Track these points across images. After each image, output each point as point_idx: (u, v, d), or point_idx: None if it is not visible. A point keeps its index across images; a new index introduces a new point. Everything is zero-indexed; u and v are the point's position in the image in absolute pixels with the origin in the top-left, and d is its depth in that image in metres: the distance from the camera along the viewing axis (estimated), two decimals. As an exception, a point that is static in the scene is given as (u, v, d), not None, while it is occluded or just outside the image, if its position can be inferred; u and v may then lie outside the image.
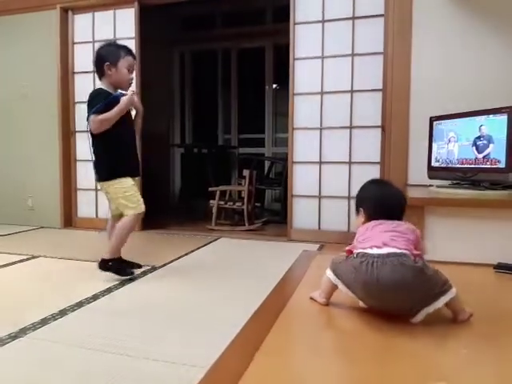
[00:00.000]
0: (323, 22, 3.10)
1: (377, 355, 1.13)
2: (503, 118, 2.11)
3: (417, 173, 2.76)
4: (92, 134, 2.11)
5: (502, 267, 1.93)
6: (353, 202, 3.01)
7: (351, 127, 3.05)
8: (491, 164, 2.17)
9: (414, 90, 2.80)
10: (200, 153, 5.12)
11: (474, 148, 2.27)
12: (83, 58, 3.66)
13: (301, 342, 1.29)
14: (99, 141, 2.12)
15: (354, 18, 3.02)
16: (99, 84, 2.19)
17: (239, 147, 5.26)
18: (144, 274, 2.27)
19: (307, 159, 3.17)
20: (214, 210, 3.72)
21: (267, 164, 4.83)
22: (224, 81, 5.30)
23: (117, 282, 2.09)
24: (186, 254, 2.73)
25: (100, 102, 2.03)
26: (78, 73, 3.74)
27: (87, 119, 2.07)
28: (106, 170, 2.14)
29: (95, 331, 1.52)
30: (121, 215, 2.22)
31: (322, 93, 3.12)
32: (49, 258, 2.65)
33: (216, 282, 2.17)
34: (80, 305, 1.79)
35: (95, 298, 1.88)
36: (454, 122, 2.41)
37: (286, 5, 3.21)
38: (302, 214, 3.20)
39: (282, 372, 1.07)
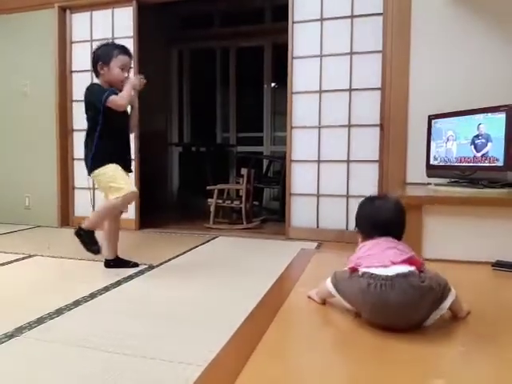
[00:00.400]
0: (322, 20, 3.09)
1: (375, 353, 1.13)
2: (501, 116, 2.11)
3: (415, 171, 2.76)
4: (101, 125, 2.13)
5: (500, 265, 1.93)
6: (351, 201, 3.03)
7: (350, 126, 3.05)
8: (489, 162, 2.17)
9: (413, 89, 2.80)
10: (198, 151, 5.12)
11: (473, 146, 2.27)
12: (81, 57, 3.64)
13: (298, 341, 1.28)
14: (92, 136, 2.16)
15: (352, 16, 3.01)
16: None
17: (237, 146, 5.26)
18: (142, 272, 2.26)
19: (305, 158, 3.17)
20: (212, 209, 3.71)
21: (265, 162, 4.82)
22: (222, 79, 5.30)
23: (114, 281, 2.08)
24: (184, 253, 2.72)
25: (104, 91, 2.11)
26: (76, 71, 3.72)
27: (97, 105, 2.10)
28: (95, 159, 2.16)
29: (92, 330, 1.52)
30: (117, 217, 2.23)
31: (320, 91, 3.11)
32: (45, 257, 2.64)
33: (214, 280, 2.16)
34: (77, 304, 1.78)
35: (92, 296, 1.87)
36: (452, 120, 2.41)
37: (284, 3, 3.20)
38: (301, 212, 3.20)
39: (279, 370, 1.06)
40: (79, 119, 3.57)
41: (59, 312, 1.68)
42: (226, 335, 1.25)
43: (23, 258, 2.58)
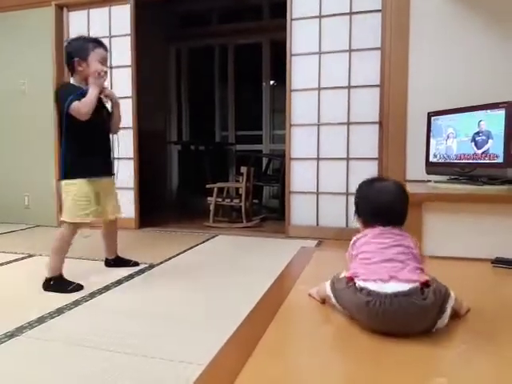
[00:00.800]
0: (320, 17, 3.08)
1: (375, 352, 1.13)
2: (501, 112, 2.10)
3: (415, 168, 2.75)
4: (65, 129, 1.94)
5: (500, 262, 1.93)
6: (351, 198, 3.03)
7: (349, 123, 3.04)
8: (489, 159, 2.16)
9: (412, 86, 2.79)
10: (197, 150, 5.11)
11: (473, 144, 2.26)
12: (79, 55, 3.63)
13: (299, 339, 1.28)
14: (67, 137, 1.96)
15: (351, 13, 3.00)
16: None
17: (237, 144, 5.25)
18: (142, 271, 2.26)
19: (305, 156, 3.16)
20: (212, 207, 3.70)
21: (265, 161, 4.82)
22: (221, 77, 5.28)
23: (114, 280, 2.08)
24: (184, 252, 2.72)
25: (72, 93, 1.91)
26: (73, 70, 3.71)
27: (63, 110, 1.90)
28: (65, 168, 1.98)
29: (93, 329, 1.51)
30: (111, 221, 2.17)
31: (319, 89, 3.10)
32: (45, 256, 2.63)
33: (214, 279, 2.16)
34: (77, 303, 1.78)
35: (92, 295, 1.87)
36: (452, 117, 2.41)
37: (282, 0, 3.19)
38: (300, 210, 3.20)
39: (279, 370, 1.06)
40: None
41: (60, 311, 1.68)
42: (226, 334, 1.25)
43: (23, 258, 2.58)
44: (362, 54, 2.99)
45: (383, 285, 1.16)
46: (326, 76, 3.08)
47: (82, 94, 1.93)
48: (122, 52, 3.53)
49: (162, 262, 2.45)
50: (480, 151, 2.22)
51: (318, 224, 3.15)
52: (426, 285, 1.17)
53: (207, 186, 3.87)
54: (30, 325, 1.54)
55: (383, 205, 1.30)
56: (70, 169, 1.97)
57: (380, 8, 2.90)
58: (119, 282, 2.06)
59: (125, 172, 3.54)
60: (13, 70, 3.81)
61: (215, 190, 3.76)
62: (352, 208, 1.51)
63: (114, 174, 2.18)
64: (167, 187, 5.32)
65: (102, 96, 2.04)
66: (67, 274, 2.03)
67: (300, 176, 3.18)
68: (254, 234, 3.33)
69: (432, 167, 2.55)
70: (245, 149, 5.12)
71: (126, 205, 3.61)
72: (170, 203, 5.19)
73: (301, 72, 3.13)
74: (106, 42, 3.50)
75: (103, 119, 2.08)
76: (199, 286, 2.03)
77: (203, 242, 3.04)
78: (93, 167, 2.02)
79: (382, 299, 1.14)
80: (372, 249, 1.25)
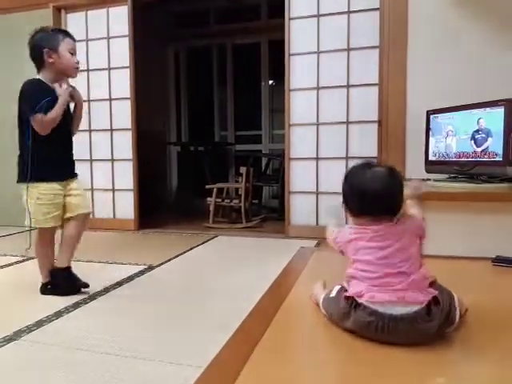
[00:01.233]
0: (318, 16, 3.07)
1: (375, 352, 1.12)
2: (500, 110, 2.09)
3: (414, 167, 2.74)
4: (27, 129, 1.91)
5: (500, 260, 1.92)
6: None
7: (348, 122, 3.04)
8: (489, 157, 2.16)
9: (411, 84, 2.78)
10: (196, 150, 5.10)
11: (473, 141, 2.26)
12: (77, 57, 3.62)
13: (299, 340, 1.28)
14: (32, 138, 1.90)
15: (349, 12, 2.99)
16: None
17: (236, 144, 5.24)
18: (142, 273, 2.25)
19: (304, 155, 3.16)
20: (212, 208, 3.70)
21: (264, 161, 4.81)
22: (220, 77, 5.28)
23: (113, 282, 2.07)
24: (184, 253, 2.72)
25: (39, 98, 1.82)
26: (71, 72, 3.70)
27: (25, 112, 1.86)
28: (27, 170, 1.90)
29: (91, 332, 1.51)
30: (80, 219, 1.96)
31: (317, 88, 3.10)
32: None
33: (213, 279, 2.15)
34: (76, 306, 1.77)
35: (91, 298, 1.86)
36: (451, 115, 2.40)
37: (280, 0, 3.19)
38: (300, 210, 3.19)
39: (279, 370, 1.05)
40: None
41: (58, 315, 1.67)
42: (226, 335, 1.24)
43: (22, 261, 2.58)
44: (360, 52, 2.98)
45: (390, 306, 1.09)
46: (325, 75, 3.08)
47: (48, 102, 1.82)
48: (120, 53, 3.53)
49: (161, 264, 2.44)
50: (479, 149, 2.21)
51: (317, 224, 3.15)
52: (434, 300, 1.11)
53: (207, 186, 3.87)
54: (29, 328, 1.54)
55: (369, 193, 1.16)
56: (33, 171, 1.88)
57: (378, 6, 2.89)
58: (119, 284, 2.06)
59: (124, 173, 3.53)
60: (11, 73, 3.78)
61: (215, 190, 3.75)
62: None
63: (77, 174, 2.05)
64: (167, 188, 5.31)
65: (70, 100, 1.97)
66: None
67: (299, 176, 3.18)
68: (253, 235, 3.33)
69: (431, 166, 2.54)
70: (244, 149, 5.11)
71: (126, 206, 3.62)
72: (169, 204, 5.18)
73: (299, 71, 3.13)
74: (104, 43, 3.60)
75: (67, 121, 1.98)
76: (199, 287, 2.03)
77: (203, 242, 3.03)
78: (57, 169, 1.94)
79: (386, 321, 1.08)
80: (372, 258, 1.15)
